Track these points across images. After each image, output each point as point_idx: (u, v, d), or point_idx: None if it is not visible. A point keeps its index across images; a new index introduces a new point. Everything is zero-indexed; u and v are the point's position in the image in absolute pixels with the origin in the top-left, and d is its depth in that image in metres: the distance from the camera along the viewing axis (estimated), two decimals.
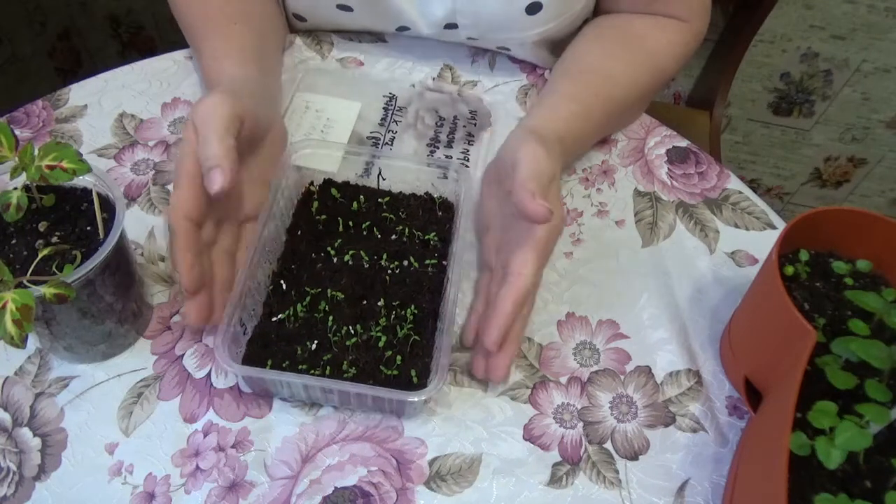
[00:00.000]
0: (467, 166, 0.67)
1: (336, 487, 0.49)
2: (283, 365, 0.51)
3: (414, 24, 0.72)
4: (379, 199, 0.61)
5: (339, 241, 0.57)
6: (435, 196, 0.62)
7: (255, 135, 0.57)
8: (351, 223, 0.59)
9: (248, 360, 0.51)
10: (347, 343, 0.52)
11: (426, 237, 0.59)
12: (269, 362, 0.51)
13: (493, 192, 0.59)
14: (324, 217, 0.59)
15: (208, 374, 0.53)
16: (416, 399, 0.48)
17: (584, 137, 0.65)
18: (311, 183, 0.62)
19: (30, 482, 0.48)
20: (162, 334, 0.55)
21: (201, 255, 0.51)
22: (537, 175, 0.52)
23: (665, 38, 0.68)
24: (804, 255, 0.53)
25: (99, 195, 0.49)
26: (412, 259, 0.57)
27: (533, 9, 0.65)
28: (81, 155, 0.45)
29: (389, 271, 0.56)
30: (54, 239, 0.47)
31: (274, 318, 0.53)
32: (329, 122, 0.69)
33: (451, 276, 0.53)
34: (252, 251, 0.52)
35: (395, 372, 0.51)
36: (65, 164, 0.45)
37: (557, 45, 0.72)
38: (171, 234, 0.50)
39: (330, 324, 0.53)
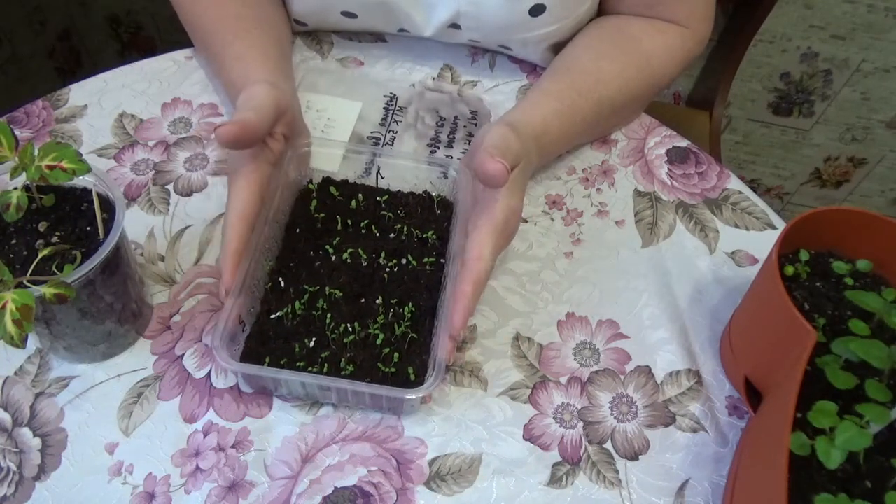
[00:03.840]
0: None
1: (336, 487, 0.49)
2: (281, 362, 0.51)
3: (417, 28, 0.72)
4: (377, 198, 0.61)
5: (337, 238, 0.57)
6: (433, 194, 0.62)
7: (292, 132, 0.57)
8: (349, 221, 0.59)
9: (246, 357, 0.51)
10: (345, 340, 0.52)
11: (424, 235, 0.58)
12: (267, 360, 0.51)
13: (464, 183, 0.59)
14: (322, 215, 0.59)
15: (208, 374, 0.53)
16: (412, 396, 0.48)
17: (566, 136, 0.64)
18: (310, 181, 0.62)
19: (30, 482, 0.48)
20: (162, 334, 0.55)
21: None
22: (504, 148, 0.52)
23: (662, 40, 0.68)
24: (804, 255, 0.53)
25: (99, 195, 0.49)
26: (410, 257, 0.57)
27: (536, 11, 0.65)
28: (81, 155, 0.45)
29: (388, 269, 0.56)
30: (54, 239, 0.47)
31: (272, 316, 0.53)
32: (330, 122, 0.69)
33: (450, 274, 0.53)
34: (251, 248, 0.52)
35: (393, 369, 0.51)
36: (65, 164, 0.45)
37: (560, 45, 0.71)
38: (225, 237, 0.52)
39: (328, 321, 0.53)
